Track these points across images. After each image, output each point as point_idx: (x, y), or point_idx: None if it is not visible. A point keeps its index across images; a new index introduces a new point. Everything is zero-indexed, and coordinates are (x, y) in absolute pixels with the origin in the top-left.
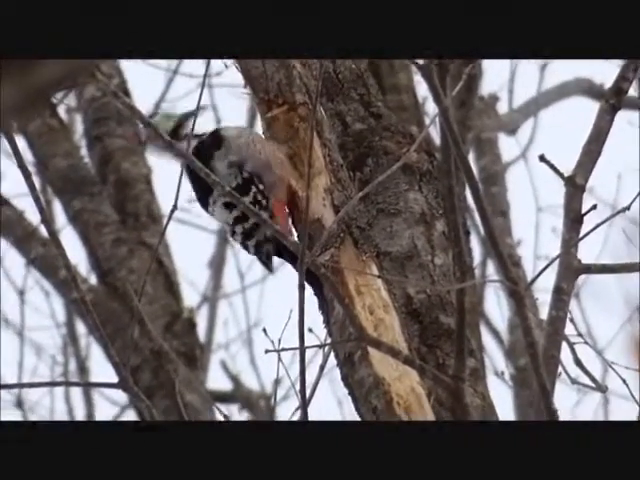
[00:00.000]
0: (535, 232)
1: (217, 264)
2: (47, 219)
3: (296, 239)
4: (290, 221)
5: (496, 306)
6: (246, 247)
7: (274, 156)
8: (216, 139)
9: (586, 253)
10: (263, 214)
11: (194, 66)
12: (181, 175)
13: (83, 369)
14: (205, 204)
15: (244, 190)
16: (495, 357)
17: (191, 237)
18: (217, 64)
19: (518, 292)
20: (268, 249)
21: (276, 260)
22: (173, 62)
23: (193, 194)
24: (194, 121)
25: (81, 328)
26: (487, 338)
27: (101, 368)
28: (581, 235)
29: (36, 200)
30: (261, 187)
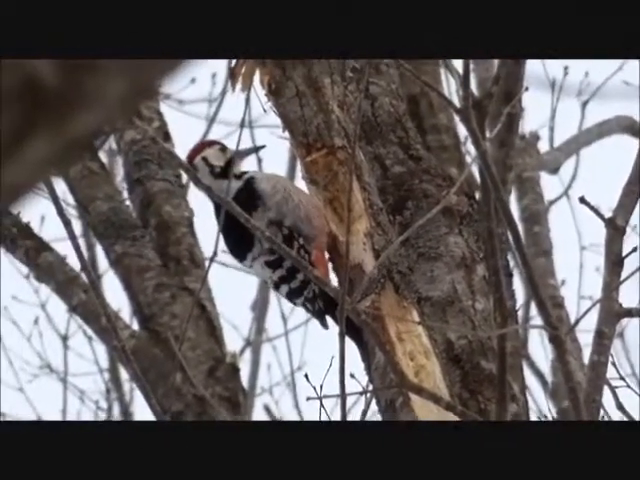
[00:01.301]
0: (579, 271)
1: (260, 307)
2: (87, 267)
3: (336, 286)
4: (330, 267)
5: (540, 347)
6: (293, 303)
7: (312, 207)
8: (251, 197)
9: (629, 295)
10: (302, 260)
11: (233, 111)
12: (221, 219)
13: (127, 414)
14: (241, 256)
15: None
16: (539, 398)
17: (233, 280)
18: (256, 108)
19: (559, 337)
20: (320, 306)
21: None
22: (212, 107)
23: (225, 245)
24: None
25: (124, 373)
26: (531, 379)
27: (145, 412)
28: (622, 278)
29: (76, 249)
30: (301, 241)
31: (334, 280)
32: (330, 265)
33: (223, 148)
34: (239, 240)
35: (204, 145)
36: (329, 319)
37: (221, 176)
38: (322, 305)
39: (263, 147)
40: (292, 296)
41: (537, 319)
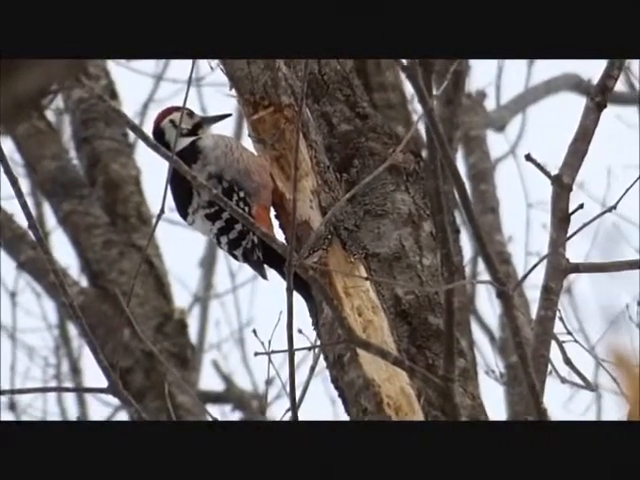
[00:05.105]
0: (526, 228)
1: (208, 264)
2: (35, 225)
3: (283, 242)
4: (278, 224)
5: (488, 302)
6: (234, 256)
7: (254, 162)
8: (192, 151)
9: (575, 251)
10: (250, 218)
11: (180, 69)
12: (168, 177)
13: (76, 370)
14: (184, 214)
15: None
16: (487, 353)
17: (181, 237)
18: (203, 66)
19: (506, 293)
20: (259, 255)
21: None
22: (159, 65)
23: (173, 203)
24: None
25: (73, 329)
26: (479, 335)
27: (94, 369)
28: (569, 234)
29: (23, 206)
30: (242, 195)
31: (281, 237)
32: (277, 223)
33: (190, 113)
34: (182, 197)
35: (172, 109)
36: (276, 274)
37: (188, 137)
38: (261, 255)
39: (229, 115)
40: (232, 248)
41: (485, 275)
